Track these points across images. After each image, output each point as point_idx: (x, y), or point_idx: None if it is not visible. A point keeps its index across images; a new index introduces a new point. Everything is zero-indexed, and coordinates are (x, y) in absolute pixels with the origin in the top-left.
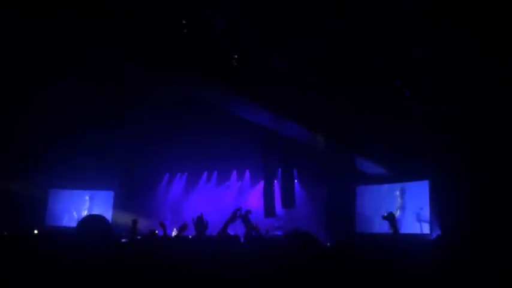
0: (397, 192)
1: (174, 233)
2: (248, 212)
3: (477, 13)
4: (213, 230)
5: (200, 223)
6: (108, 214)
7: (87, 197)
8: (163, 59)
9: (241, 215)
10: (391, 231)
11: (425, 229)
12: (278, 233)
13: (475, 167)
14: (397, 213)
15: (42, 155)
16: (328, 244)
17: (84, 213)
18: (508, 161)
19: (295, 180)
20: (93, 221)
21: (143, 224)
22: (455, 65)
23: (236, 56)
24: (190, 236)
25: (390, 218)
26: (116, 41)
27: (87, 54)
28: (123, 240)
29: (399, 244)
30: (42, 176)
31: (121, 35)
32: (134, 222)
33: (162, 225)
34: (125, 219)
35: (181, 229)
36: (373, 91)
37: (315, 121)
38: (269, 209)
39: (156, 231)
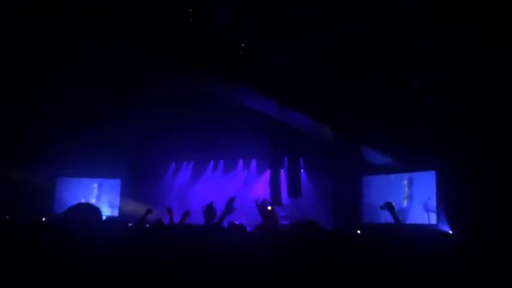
0: (405, 182)
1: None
2: (265, 201)
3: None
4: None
5: (210, 211)
6: (116, 202)
7: (95, 185)
8: (166, 53)
9: (258, 205)
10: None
11: (433, 219)
12: (284, 222)
13: (481, 157)
14: (405, 203)
15: (50, 143)
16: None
17: (93, 201)
18: None
19: (302, 170)
20: (79, 210)
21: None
22: (459, 59)
23: (243, 45)
24: (195, 224)
25: (389, 207)
26: (118, 36)
27: (94, 48)
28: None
29: (404, 234)
30: (50, 165)
31: (123, 30)
32: (148, 211)
33: (169, 211)
34: (132, 207)
35: (184, 216)
36: (379, 82)
37: (321, 111)
38: (275, 199)
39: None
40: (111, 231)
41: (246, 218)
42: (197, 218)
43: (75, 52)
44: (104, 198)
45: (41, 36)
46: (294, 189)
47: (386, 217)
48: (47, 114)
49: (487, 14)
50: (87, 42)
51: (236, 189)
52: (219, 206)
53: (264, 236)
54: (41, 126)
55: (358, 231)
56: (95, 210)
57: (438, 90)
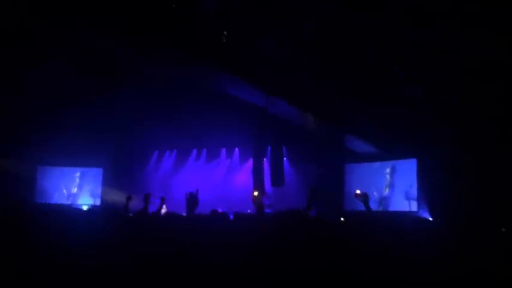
0: (387, 170)
1: (163, 210)
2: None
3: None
4: (202, 208)
5: (193, 199)
6: (98, 191)
7: (77, 174)
8: (149, 40)
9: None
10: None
11: (414, 207)
12: (267, 210)
13: (462, 146)
14: (387, 191)
15: (32, 131)
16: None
17: (74, 190)
18: (494, 140)
19: (285, 159)
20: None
21: (133, 201)
22: (445, 48)
23: (225, 33)
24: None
25: (363, 199)
26: (101, 23)
27: (75, 35)
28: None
29: (385, 221)
30: (31, 153)
31: (106, 17)
32: (128, 199)
33: (146, 198)
34: (114, 196)
35: (145, 199)
36: (363, 72)
37: (305, 100)
38: (258, 187)
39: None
40: (94, 221)
41: (228, 206)
42: (180, 207)
43: (56, 38)
44: (85, 187)
45: (22, 22)
46: (277, 178)
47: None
48: (28, 102)
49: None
50: (69, 28)
51: (219, 177)
52: (202, 195)
53: (248, 224)
54: (21, 114)
55: (342, 219)
56: None
57: (422, 79)
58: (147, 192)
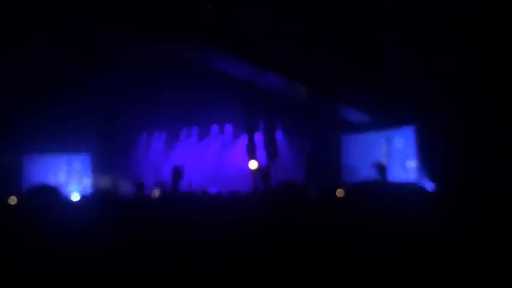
0: (384, 140)
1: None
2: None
3: None
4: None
5: (177, 173)
6: (87, 178)
7: (64, 161)
8: (132, 17)
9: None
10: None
11: (413, 176)
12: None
13: (460, 110)
14: (384, 161)
15: (16, 118)
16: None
17: (63, 178)
18: (494, 105)
19: (278, 132)
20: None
21: (124, 186)
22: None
23: (210, 6)
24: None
25: (380, 168)
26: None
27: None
28: None
29: (386, 191)
30: (16, 141)
31: None
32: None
33: (139, 186)
34: (104, 182)
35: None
36: (353, 38)
37: (296, 71)
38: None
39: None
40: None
41: (222, 183)
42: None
43: (39, 20)
44: (74, 174)
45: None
46: (271, 152)
47: (366, 176)
48: (10, 87)
49: None
50: (49, 9)
51: (211, 155)
52: (196, 174)
53: (246, 201)
54: (4, 100)
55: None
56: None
57: (414, 42)
58: (139, 175)
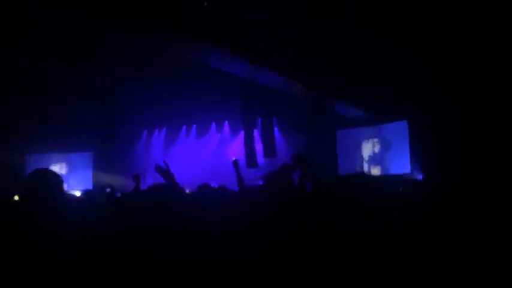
0: (378, 133)
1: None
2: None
3: None
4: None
5: (164, 171)
6: (89, 176)
7: (67, 160)
8: (131, 15)
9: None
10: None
11: (406, 169)
12: (260, 182)
13: (451, 105)
14: (379, 155)
15: (19, 119)
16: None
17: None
18: (487, 98)
19: (275, 129)
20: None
21: (125, 183)
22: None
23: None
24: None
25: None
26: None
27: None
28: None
29: (379, 184)
30: (19, 142)
31: None
32: (136, 177)
33: (136, 178)
34: (106, 179)
35: (136, 179)
36: (349, 37)
37: (292, 68)
38: (251, 160)
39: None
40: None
41: (219, 180)
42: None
43: (38, 23)
44: (75, 172)
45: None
46: (269, 149)
47: (360, 169)
48: (13, 90)
49: None
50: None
51: (210, 152)
52: (195, 171)
53: (240, 195)
54: (8, 102)
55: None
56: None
57: (406, 42)
58: (139, 172)
